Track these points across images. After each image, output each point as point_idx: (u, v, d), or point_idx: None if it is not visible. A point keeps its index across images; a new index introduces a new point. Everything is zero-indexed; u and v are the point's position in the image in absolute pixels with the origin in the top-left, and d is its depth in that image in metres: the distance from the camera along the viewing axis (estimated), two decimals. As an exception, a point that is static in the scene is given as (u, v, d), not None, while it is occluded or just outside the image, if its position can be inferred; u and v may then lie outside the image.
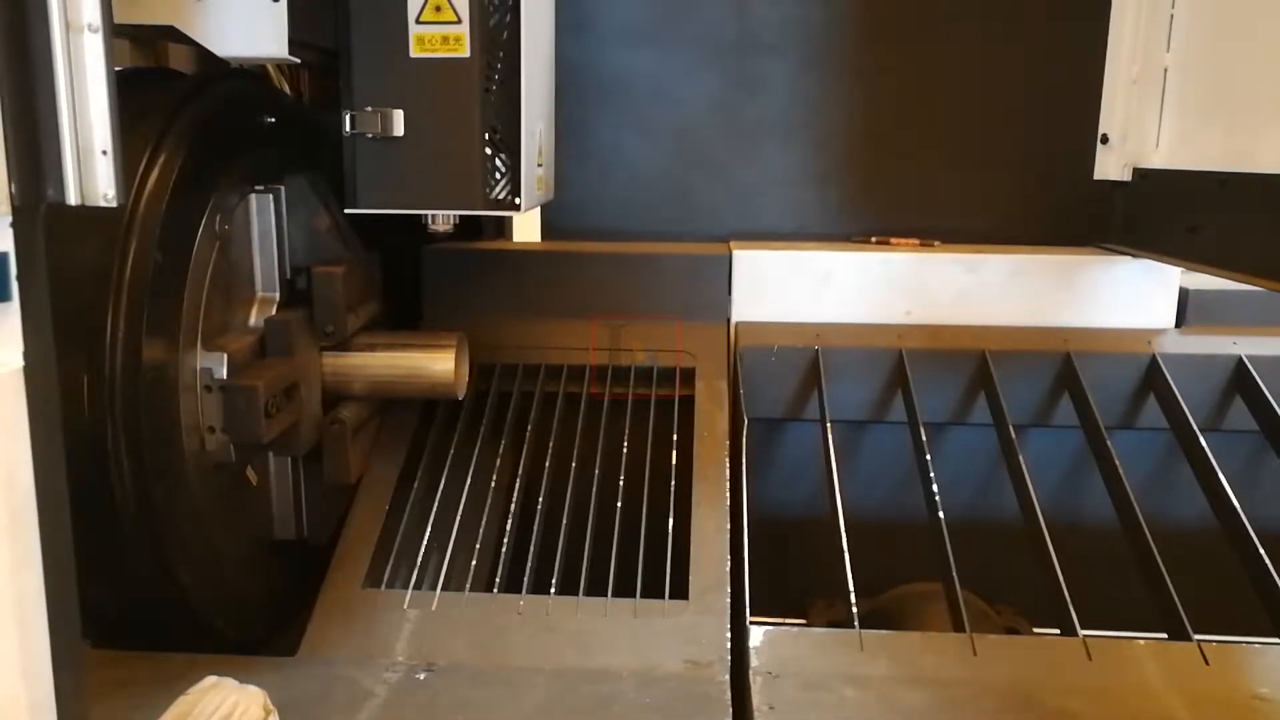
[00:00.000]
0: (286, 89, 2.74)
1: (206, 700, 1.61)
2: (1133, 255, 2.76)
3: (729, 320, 2.86)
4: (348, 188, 2.27)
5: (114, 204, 1.32)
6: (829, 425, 2.57)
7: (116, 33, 2.04)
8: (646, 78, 3.15)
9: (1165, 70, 2.56)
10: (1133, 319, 2.82)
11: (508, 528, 2.37)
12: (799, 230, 3.19)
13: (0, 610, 1.23)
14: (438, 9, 2.18)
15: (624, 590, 2.17)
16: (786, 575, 2.65)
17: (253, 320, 2.22)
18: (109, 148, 1.30)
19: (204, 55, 2.00)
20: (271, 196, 2.21)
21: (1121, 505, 2.34)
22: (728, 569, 2.19)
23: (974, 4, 3.07)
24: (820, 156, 3.16)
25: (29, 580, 1.27)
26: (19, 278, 1.23)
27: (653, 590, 2.17)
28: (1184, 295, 2.82)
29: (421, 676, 1.97)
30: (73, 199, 1.29)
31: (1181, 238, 2.46)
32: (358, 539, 2.32)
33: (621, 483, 2.42)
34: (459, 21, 2.18)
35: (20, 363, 1.24)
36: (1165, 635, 2.06)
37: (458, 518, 2.34)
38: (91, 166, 1.30)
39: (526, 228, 3.13)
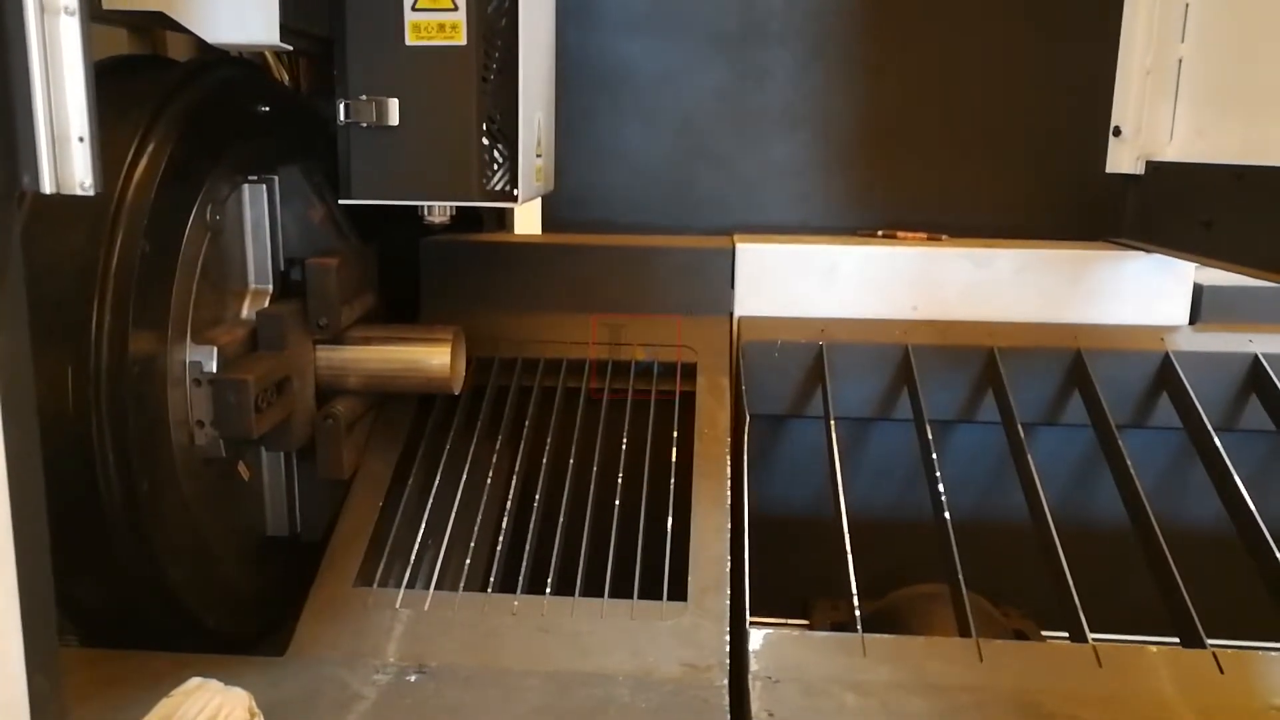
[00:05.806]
0: (285, 77, 2.70)
1: (190, 702, 1.59)
2: (1146, 250, 2.71)
3: (731, 314, 2.81)
4: (342, 178, 2.24)
5: (91, 193, 1.28)
6: (833, 422, 2.53)
7: (108, 20, 2.03)
8: (649, 67, 3.10)
9: (1180, 61, 2.51)
10: (1145, 315, 2.77)
11: (503, 526, 2.33)
12: (804, 223, 3.14)
13: (-31, 611, 1.20)
14: (434, -5, 2.14)
15: (621, 591, 2.13)
16: (788, 575, 2.60)
17: (244, 313, 2.19)
18: (86, 134, 1.26)
19: (201, 44, 1.96)
20: (265, 186, 2.19)
21: (1133, 506, 2.29)
22: (727, 569, 2.15)
23: (984, -7, 3.02)
24: (826, 148, 3.11)
25: (1, 580, 1.23)
26: (-9, 268, 1.19)
27: (650, 591, 2.12)
28: (1198, 291, 2.77)
29: (412, 678, 1.94)
30: (48, 187, 1.25)
31: (1196, 232, 2.41)
32: (350, 536, 2.28)
33: (620, 480, 2.38)
34: (455, 9, 2.14)
35: (-10, 356, 1.20)
36: (1178, 641, 2.01)
37: (452, 515, 2.30)
38: (67, 154, 1.26)
39: (527, 220, 3.09)
